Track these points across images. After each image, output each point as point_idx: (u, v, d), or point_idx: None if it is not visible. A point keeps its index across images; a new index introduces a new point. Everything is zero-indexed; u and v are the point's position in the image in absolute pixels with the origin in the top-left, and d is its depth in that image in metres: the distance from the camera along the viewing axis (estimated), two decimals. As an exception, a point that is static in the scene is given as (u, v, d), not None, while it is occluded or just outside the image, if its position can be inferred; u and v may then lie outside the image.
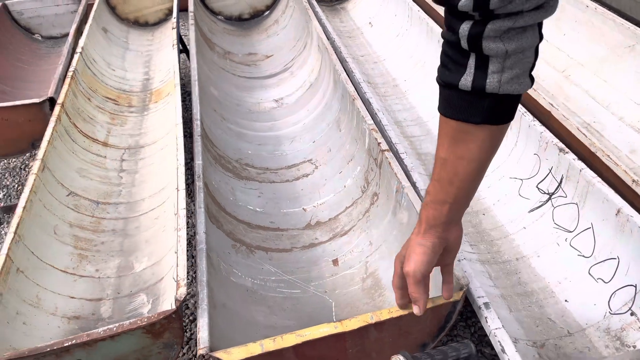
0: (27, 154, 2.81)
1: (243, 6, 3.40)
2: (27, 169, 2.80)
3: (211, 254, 1.43)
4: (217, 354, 1.10)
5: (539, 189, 1.73)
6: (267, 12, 3.43)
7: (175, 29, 2.56)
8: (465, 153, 0.89)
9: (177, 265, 1.26)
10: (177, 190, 1.50)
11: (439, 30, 2.46)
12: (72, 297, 1.54)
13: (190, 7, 2.94)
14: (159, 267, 1.63)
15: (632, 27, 2.18)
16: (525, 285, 1.57)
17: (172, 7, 3.39)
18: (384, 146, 1.64)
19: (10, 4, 3.21)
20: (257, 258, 1.66)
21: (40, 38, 3.30)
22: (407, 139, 2.21)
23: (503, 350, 1.13)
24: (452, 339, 1.84)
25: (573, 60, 2.47)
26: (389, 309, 1.15)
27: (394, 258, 1.11)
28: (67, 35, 3.31)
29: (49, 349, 1.13)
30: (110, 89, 2.59)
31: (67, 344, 1.13)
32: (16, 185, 2.71)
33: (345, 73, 2.08)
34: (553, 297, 1.51)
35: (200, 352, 1.13)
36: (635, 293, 1.34)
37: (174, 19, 2.67)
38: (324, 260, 1.69)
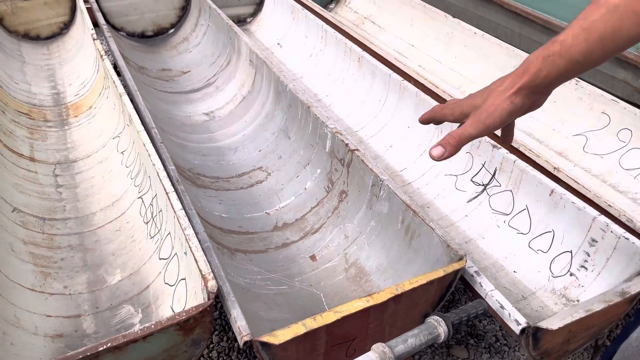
0: None
1: (147, 23, 3.33)
2: None
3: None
4: (263, 339, 1.13)
5: (473, 182, 2.02)
6: (172, 29, 3.40)
7: (97, 40, 2.44)
8: None
9: (196, 262, 1.25)
10: (167, 194, 1.47)
11: (358, 50, 2.70)
12: (49, 316, 1.41)
13: (102, 21, 2.82)
14: (140, 276, 1.56)
15: (516, 50, 2.64)
16: (478, 263, 1.82)
17: (67, 21, 3.20)
18: (352, 146, 1.79)
19: None
20: (239, 259, 1.68)
21: None
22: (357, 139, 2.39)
23: (502, 307, 1.33)
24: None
25: (466, 78, 2.89)
26: (409, 280, 1.28)
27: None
28: (-60, 45, 2.93)
29: (80, 356, 1.06)
30: (20, 103, 2.37)
31: (100, 349, 1.07)
32: None
33: (292, 84, 2.20)
34: (503, 270, 1.78)
35: (244, 339, 1.15)
36: (572, 257, 1.66)
37: (92, 31, 2.54)
38: (300, 257, 1.76)
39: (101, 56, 2.28)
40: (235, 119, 2.48)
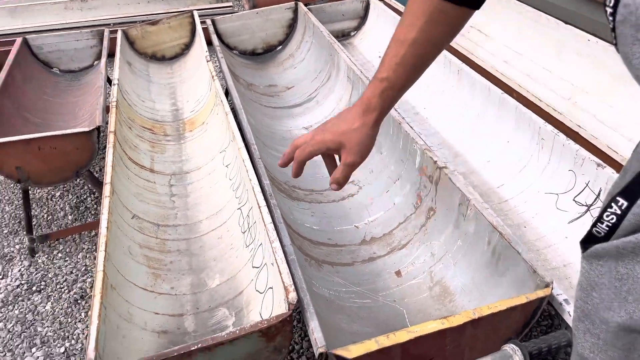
0: (62, 184, 2.83)
1: (257, 41, 3.56)
2: (53, 199, 2.81)
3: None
4: (337, 352, 1.19)
5: (576, 201, 1.90)
6: (280, 47, 3.60)
7: (210, 62, 2.68)
8: (437, 35, 0.90)
9: (280, 273, 1.35)
10: (260, 207, 1.59)
11: (458, 62, 2.66)
12: (157, 313, 1.59)
13: (216, 42, 3.08)
14: (235, 282, 1.70)
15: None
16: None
17: (188, 42, 3.53)
18: (441, 164, 1.79)
19: (30, 38, 3.27)
20: (326, 271, 1.76)
21: (58, 72, 3.35)
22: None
23: (591, 338, 1.25)
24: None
25: (578, 88, 2.71)
26: (488, 305, 1.27)
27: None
28: (85, 68, 3.40)
29: (175, 354, 1.19)
30: (145, 119, 2.67)
31: (193, 348, 1.20)
32: (45, 215, 2.71)
33: (385, 100, 2.24)
34: (604, 297, 1.66)
35: (319, 350, 1.21)
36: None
37: (206, 52, 2.79)
38: (386, 272, 1.79)
39: (212, 77, 2.49)
40: (333, 133, 2.57)
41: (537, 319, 1.39)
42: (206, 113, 2.64)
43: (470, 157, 2.37)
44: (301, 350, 1.91)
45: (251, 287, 1.61)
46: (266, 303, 1.49)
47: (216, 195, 2.11)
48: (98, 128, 2.25)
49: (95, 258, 2.32)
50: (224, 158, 2.22)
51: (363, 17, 3.73)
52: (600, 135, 2.41)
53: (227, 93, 2.87)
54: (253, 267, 1.64)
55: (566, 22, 3.01)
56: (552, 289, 1.32)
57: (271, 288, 1.48)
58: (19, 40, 3.16)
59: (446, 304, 1.62)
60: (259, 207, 1.59)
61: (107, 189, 1.78)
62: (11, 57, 2.94)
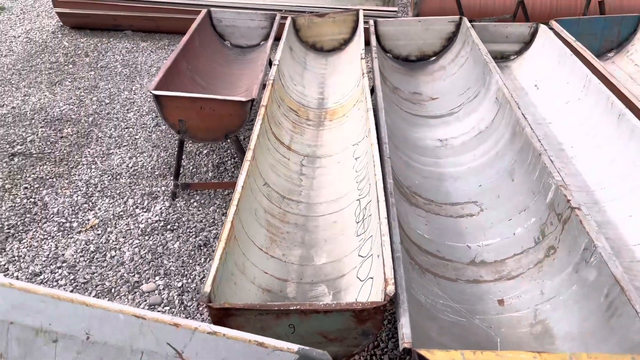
0: (213, 143, 3.17)
1: (412, 48, 3.62)
2: (200, 155, 3.15)
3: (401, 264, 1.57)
4: (421, 352, 1.22)
5: None
6: (434, 57, 3.62)
7: (364, 59, 2.80)
8: None
9: (384, 266, 1.41)
10: (378, 202, 1.66)
11: (621, 106, 2.48)
12: (266, 272, 1.74)
13: (373, 43, 3.20)
14: (340, 265, 1.79)
15: None
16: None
17: (347, 39, 3.70)
18: (574, 204, 1.71)
19: (213, 11, 3.67)
20: (428, 280, 1.78)
21: (229, 45, 3.72)
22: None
23: None
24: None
25: None
26: (588, 354, 1.21)
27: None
28: (252, 46, 3.72)
29: (275, 308, 1.32)
30: (293, 101, 2.88)
31: (291, 308, 1.31)
32: (191, 167, 3.05)
33: (529, 128, 2.18)
34: None
35: (404, 345, 1.26)
36: None
37: (362, 50, 2.92)
38: (489, 298, 1.77)
39: (363, 74, 2.61)
40: (466, 151, 2.56)
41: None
42: (349, 106, 2.77)
43: (610, 207, 2.21)
44: (385, 350, 1.95)
45: (353, 273, 1.69)
46: (364, 291, 1.57)
47: (340, 183, 2.22)
48: (252, 100, 2.48)
49: (224, 214, 2.57)
50: (355, 151, 2.33)
51: (528, 43, 3.61)
52: None
53: (372, 92, 2.97)
54: (359, 255, 1.72)
55: None
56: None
57: (372, 278, 1.55)
58: (204, 11, 3.56)
59: (545, 345, 1.56)
60: (378, 201, 1.66)
61: (249, 154, 1.98)
62: (195, 23, 3.33)
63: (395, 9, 4.83)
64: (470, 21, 4.24)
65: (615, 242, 2.05)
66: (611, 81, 2.79)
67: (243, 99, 2.45)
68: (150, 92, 2.47)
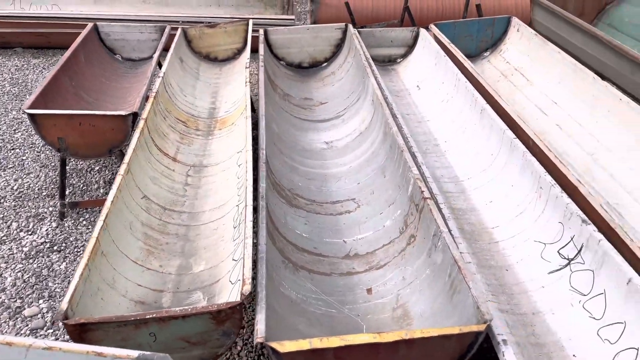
0: (97, 159, 3.11)
1: (304, 56, 3.74)
2: (91, 172, 3.09)
3: (267, 264, 1.65)
4: (271, 344, 1.30)
5: (559, 254, 1.92)
6: (325, 64, 3.76)
7: (248, 69, 2.87)
8: None
9: (243, 267, 1.48)
10: (245, 206, 1.73)
11: (482, 100, 2.71)
12: (139, 285, 1.76)
13: (261, 51, 3.28)
14: (216, 271, 1.85)
15: (660, 123, 2.40)
16: (539, 337, 1.74)
17: (240, 48, 3.76)
18: (427, 194, 1.86)
19: (100, 25, 3.61)
20: (301, 276, 1.87)
21: (120, 59, 3.67)
22: (443, 193, 2.43)
23: (515, 380, 1.30)
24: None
25: (602, 145, 2.69)
26: (422, 329, 1.34)
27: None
28: (144, 59, 3.69)
29: (132, 319, 1.35)
30: (182, 112, 2.90)
31: (148, 317, 1.35)
32: (81, 185, 2.99)
33: (396, 127, 2.34)
34: (563, 351, 1.68)
35: (257, 340, 1.33)
36: (637, 355, 1.50)
37: (247, 60, 3.00)
38: (359, 288, 1.88)
39: (245, 82, 2.68)
40: (349, 151, 2.69)
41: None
42: (237, 115, 2.83)
43: (475, 195, 2.42)
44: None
45: (226, 277, 1.75)
46: (234, 293, 1.63)
47: (224, 191, 2.27)
48: (134, 114, 2.48)
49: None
50: (239, 158, 2.39)
51: (411, 46, 3.83)
52: (607, 194, 2.40)
53: (261, 99, 3.05)
54: (233, 259, 1.79)
55: (603, 77, 3.00)
56: (489, 326, 1.37)
57: (239, 280, 1.61)
58: (90, 25, 3.50)
59: (403, 326, 1.69)
60: (246, 206, 1.74)
61: (122, 168, 1.99)
62: (78, 39, 3.26)
63: (292, 17, 4.95)
64: (362, 27, 4.44)
65: (476, 226, 2.24)
66: (477, 79, 3.04)
67: (123, 113, 2.45)
68: (24, 112, 2.41)
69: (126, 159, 2.06)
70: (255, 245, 1.64)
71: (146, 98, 2.68)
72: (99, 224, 1.69)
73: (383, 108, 2.54)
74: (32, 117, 2.40)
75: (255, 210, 1.80)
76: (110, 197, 1.82)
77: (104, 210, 1.75)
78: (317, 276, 1.91)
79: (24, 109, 2.41)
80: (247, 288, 1.41)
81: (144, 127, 2.32)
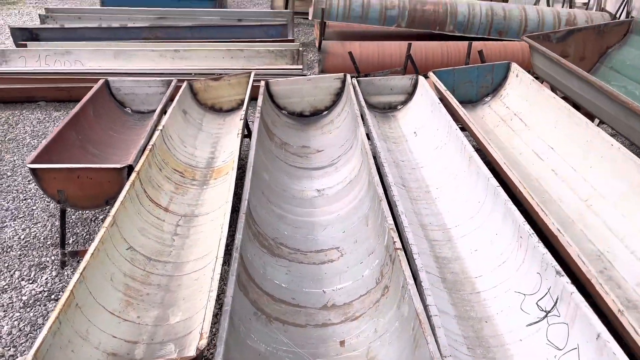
0: (99, 209, 3.23)
1: (305, 105, 3.84)
2: (96, 221, 3.20)
3: (234, 316, 1.67)
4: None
5: (538, 305, 1.88)
6: (326, 112, 3.85)
7: (243, 120, 2.98)
8: None
9: (203, 321, 1.51)
10: (216, 258, 1.78)
11: (470, 148, 2.73)
12: (114, 337, 1.81)
13: (259, 102, 3.39)
14: (191, 322, 1.88)
15: (649, 168, 2.36)
16: (512, 394, 1.69)
17: (243, 99, 3.89)
18: (398, 245, 1.87)
19: (111, 80, 3.81)
20: (274, 328, 1.88)
21: (130, 111, 3.85)
22: (429, 241, 2.43)
23: None
24: None
25: (596, 191, 2.65)
26: (371, 386, 1.33)
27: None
28: (153, 111, 3.86)
29: (90, 372, 1.38)
30: (180, 162, 3.00)
31: (105, 370, 1.38)
32: (84, 234, 3.10)
33: (378, 176, 2.37)
34: (536, 409, 1.62)
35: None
36: (608, 415, 1.45)
37: (242, 112, 3.11)
38: (332, 340, 1.88)
39: (237, 134, 2.77)
40: (339, 199, 2.73)
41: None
42: (231, 164, 2.91)
43: (461, 243, 2.40)
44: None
45: (198, 329, 1.78)
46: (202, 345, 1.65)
47: (210, 240, 2.33)
48: (129, 166, 2.59)
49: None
50: (227, 208, 2.44)
51: (411, 94, 3.90)
52: (600, 242, 2.35)
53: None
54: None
55: (601, 121, 2.97)
56: (440, 384, 1.35)
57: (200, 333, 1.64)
58: (101, 81, 3.70)
59: (370, 381, 1.67)
60: (216, 258, 1.78)
61: (107, 221, 2.07)
62: (89, 95, 3.45)
63: (301, 66, 5.12)
64: (365, 75, 4.55)
65: (460, 275, 2.22)
66: (470, 126, 3.06)
67: (118, 166, 2.56)
68: (27, 166, 2.55)
69: (112, 211, 2.14)
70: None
71: (143, 150, 2.80)
72: (76, 276, 1.76)
73: (368, 157, 2.58)
74: (33, 171, 2.54)
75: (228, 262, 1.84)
76: (90, 250, 1.89)
77: (82, 264, 1.82)
78: (292, 328, 1.92)
79: (27, 163, 2.55)
80: (203, 342, 1.44)
81: (135, 180, 2.42)
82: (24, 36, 5.61)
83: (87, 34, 5.78)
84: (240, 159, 2.70)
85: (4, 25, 7.43)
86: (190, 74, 4.90)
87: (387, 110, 3.91)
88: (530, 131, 3.38)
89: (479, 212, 2.46)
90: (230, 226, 2.06)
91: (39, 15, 6.40)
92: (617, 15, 5.22)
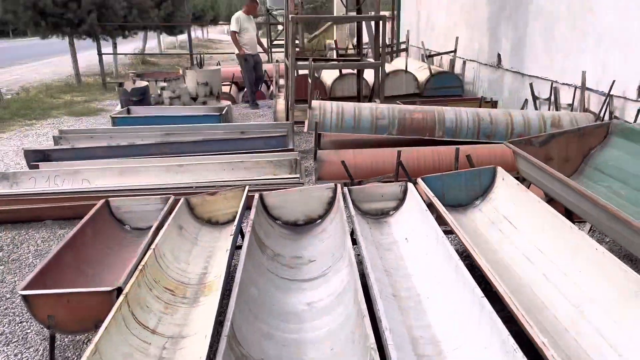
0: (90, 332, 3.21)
1: (298, 215, 3.94)
2: (88, 344, 3.17)
3: None
4: None
5: None
6: (319, 220, 3.93)
7: (233, 236, 3.05)
8: None
9: None
10: (192, 388, 1.75)
11: (456, 256, 2.75)
12: None
13: (251, 215, 3.49)
14: None
15: (633, 273, 2.35)
16: None
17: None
18: (378, 367, 1.84)
19: (112, 200, 3.97)
20: None
21: (129, 228, 3.96)
22: (418, 357, 2.37)
23: None
24: None
25: (587, 296, 2.62)
26: None
27: None
28: (151, 227, 3.97)
29: None
30: (171, 280, 3.04)
31: None
32: (75, 358, 3.06)
33: (362, 290, 2.38)
34: None
35: None
36: None
37: (234, 227, 3.19)
38: None
39: (226, 250, 2.83)
40: (328, 312, 2.71)
41: None
42: (218, 283, 2.94)
43: (452, 356, 2.34)
44: None
45: None
46: None
47: (194, 364, 2.30)
48: (118, 289, 2.62)
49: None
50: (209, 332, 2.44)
51: (402, 199, 3.99)
52: (592, 350, 2.29)
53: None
54: None
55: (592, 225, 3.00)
56: None
57: None
58: (101, 201, 3.85)
59: None
60: (192, 387, 1.76)
61: (89, 349, 2.07)
62: (89, 215, 3.59)
63: (297, 175, 5.30)
64: (359, 182, 4.69)
65: (449, 395, 2.14)
66: (455, 231, 3.10)
67: (108, 289, 2.60)
68: (19, 293, 2.60)
69: (95, 338, 2.15)
70: None
71: (135, 270, 2.85)
72: (50, 412, 1.73)
73: (353, 269, 2.61)
74: (24, 297, 2.58)
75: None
76: (68, 382, 1.88)
77: (59, 397, 1.80)
78: None
79: (19, 290, 2.60)
80: None
81: (122, 303, 2.45)
82: (36, 157, 5.91)
83: (97, 152, 6.08)
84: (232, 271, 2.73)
85: (20, 146, 7.86)
86: (192, 187, 5.08)
87: (379, 216, 3.99)
88: (519, 234, 3.40)
89: (467, 326, 2.43)
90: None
91: (53, 137, 6.79)
92: (601, 115, 5.44)
